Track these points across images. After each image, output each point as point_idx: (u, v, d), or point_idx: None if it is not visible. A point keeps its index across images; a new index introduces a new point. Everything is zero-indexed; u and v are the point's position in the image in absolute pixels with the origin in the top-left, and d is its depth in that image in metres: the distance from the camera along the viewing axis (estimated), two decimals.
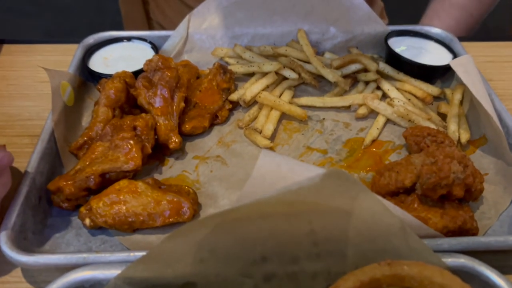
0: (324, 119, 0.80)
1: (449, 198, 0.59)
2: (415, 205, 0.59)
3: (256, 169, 0.49)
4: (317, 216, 0.50)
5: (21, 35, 2.74)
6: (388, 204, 0.53)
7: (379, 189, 0.63)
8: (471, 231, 0.59)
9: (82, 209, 0.61)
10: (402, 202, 0.61)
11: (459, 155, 0.59)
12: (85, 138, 0.69)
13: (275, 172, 0.49)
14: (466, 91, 0.79)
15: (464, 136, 0.73)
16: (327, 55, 0.89)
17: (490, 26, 1.16)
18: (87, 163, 0.65)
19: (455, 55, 0.85)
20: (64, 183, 0.62)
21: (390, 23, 1.05)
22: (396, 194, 0.62)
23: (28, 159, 0.64)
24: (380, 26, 0.89)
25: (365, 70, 0.85)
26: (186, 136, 0.75)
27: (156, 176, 0.69)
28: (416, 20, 0.92)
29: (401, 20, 0.93)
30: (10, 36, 0.99)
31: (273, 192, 0.44)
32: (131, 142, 0.66)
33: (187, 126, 0.74)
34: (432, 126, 0.74)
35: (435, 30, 0.90)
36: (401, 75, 0.83)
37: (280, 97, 0.80)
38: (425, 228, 0.56)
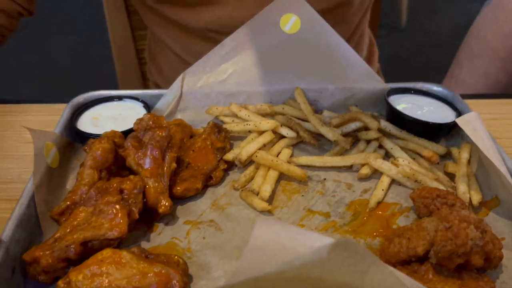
0: (325, 179, 0.75)
1: (466, 268, 0.54)
2: (430, 276, 0.53)
3: (252, 240, 0.44)
4: None
5: (19, 96, 2.76)
6: (403, 277, 0.47)
7: (389, 258, 0.57)
8: None
9: (60, 283, 0.55)
10: (415, 272, 0.55)
11: (475, 219, 0.54)
12: (68, 203, 0.64)
13: (273, 242, 0.44)
14: (473, 150, 0.75)
15: (476, 198, 0.68)
16: (326, 113, 0.86)
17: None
18: (68, 230, 0.60)
19: (458, 112, 0.82)
20: (41, 253, 0.56)
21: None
22: (407, 262, 0.57)
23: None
24: (379, 83, 0.87)
25: (366, 128, 0.81)
26: (178, 199, 0.70)
27: (144, 243, 0.64)
28: (409, 81, 0.90)
29: (395, 81, 0.91)
30: (7, 97, 0.96)
31: (272, 267, 0.39)
32: (117, 207, 0.60)
33: (178, 188, 0.69)
34: (441, 187, 0.69)
35: (436, 88, 0.88)
36: (404, 134, 0.80)
37: (278, 156, 0.76)
38: None
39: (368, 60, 1.36)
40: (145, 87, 1.60)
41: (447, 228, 0.53)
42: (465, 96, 0.89)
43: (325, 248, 0.38)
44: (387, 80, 0.92)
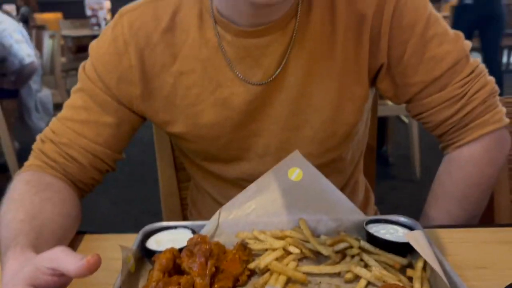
0: (320, 282, 1.04)
1: None
2: None
3: None
4: None
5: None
6: None
7: None
8: None
9: None
10: None
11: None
12: None
13: None
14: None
15: None
16: (322, 237, 1.18)
17: None
18: None
19: None
20: None
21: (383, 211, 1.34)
22: None
23: None
24: (361, 216, 1.20)
25: (351, 246, 1.12)
26: None
27: None
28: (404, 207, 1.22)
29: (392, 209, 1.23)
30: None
31: None
32: None
33: (216, 285, 1.00)
34: (400, 284, 0.98)
35: (402, 219, 1.20)
36: (377, 250, 1.10)
37: (286, 266, 1.07)
38: None
39: (365, 203, 1.69)
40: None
41: None
42: (428, 227, 1.21)
43: None
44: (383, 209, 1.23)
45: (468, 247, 1.17)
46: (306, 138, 1.34)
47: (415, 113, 1.33)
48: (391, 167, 4.99)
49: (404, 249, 1.11)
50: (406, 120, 5.06)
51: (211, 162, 1.41)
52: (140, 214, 3.82)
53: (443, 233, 1.22)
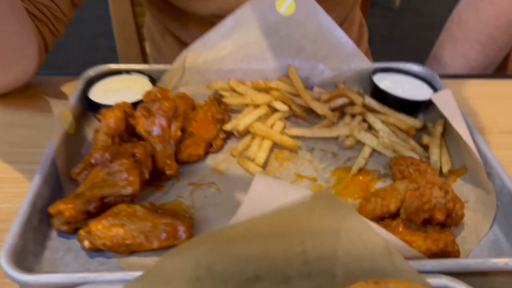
0: (313, 148, 0.84)
1: (431, 223, 0.63)
2: (400, 229, 0.62)
3: (251, 190, 0.52)
4: (308, 236, 0.53)
5: None
6: (374, 225, 0.56)
7: (365, 214, 0.66)
8: (453, 254, 0.62)
9: (82, 232, 0.64)
10: (387, 226, 0.64)
11: (440, 181, 0.63)
12: (85, 164, 0.72)
13: (268, 193, 0.52)
14: (447, 124, 0.84)
15: (446, 166, 0.77)
16: (316, 89, 0.94)
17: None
18: (87, 187, 0.68)
19: (436, 90, 0.91)
20: (65, 206, 0.65)
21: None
22: (382, 219, 0.66)
23: (29, 185, 0.67)
24: (365, 63, 0.95)
25: (352, 103, 0.89)
26: (182, 164, 0.78)
27: (153, 201, 0.72)
28: (401, 61, 0.98)
29: (388, 60, 0.99)
30: None
31: (267, 211, 0.47)
32: (130, 168, 0.69)
33: (183, 153, 0.78)
34: (415, 156, 0.79)
35: (416, 68, 0.96)
36: (385, 109, 0.88)
37: (271, 127, 0.84)
38: (409, 250, 0.59)
39: (358, 40, 1.43)
40: (145, 62, 1.66)
41: (415, 188, 0.62)
42: (444, 76, 0.98)
43: (309, 196, 0.47)
44: (379, 60, 0.99)
45: (492, 104, 0.96)
46: None
47: None
48: None
49: (416, 108, 0.90)
50: None
51: None
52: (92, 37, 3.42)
53: (463, 86, 1.01)
